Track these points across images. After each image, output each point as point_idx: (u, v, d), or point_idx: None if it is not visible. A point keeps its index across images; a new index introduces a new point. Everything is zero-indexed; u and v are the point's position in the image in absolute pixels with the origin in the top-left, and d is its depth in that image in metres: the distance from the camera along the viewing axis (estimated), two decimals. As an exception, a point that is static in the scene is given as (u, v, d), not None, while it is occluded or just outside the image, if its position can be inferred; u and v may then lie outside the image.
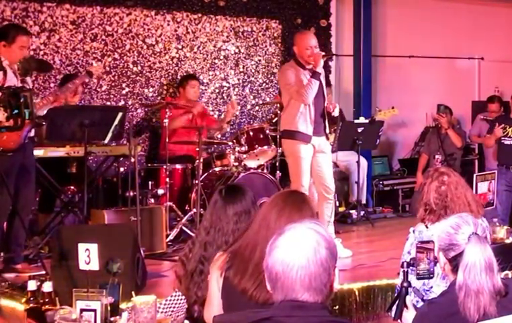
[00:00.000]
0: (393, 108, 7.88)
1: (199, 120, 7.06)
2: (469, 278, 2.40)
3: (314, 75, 5.60)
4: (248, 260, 2.60)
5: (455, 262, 2.51)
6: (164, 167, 6.32)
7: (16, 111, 3.01)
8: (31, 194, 5.19)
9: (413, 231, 3.68)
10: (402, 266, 2.98)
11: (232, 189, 3.27)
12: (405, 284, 2.92)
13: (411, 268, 2.98)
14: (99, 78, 6.92)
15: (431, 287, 3.43)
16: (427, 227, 3.60)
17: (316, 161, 5.74)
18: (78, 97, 6.38)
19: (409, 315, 2.81)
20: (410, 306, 2.85)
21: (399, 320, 2.88)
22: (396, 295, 3.04)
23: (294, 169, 5.72)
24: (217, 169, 6.75)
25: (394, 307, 2.94)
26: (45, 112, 5.25)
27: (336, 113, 5.80)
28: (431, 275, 2.93)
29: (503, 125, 7.01)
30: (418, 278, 2.98)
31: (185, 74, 7.60)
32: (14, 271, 4.97)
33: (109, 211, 5.64)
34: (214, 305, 2.75)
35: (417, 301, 3.06)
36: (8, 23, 6.33)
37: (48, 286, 3.66)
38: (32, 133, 5.09)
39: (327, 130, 5.82)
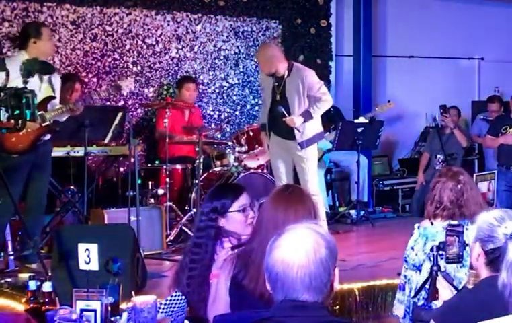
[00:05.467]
0: (389, 101, 7.92)
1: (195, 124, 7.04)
2: None
3: None
4: (260, 264, 2.59)
5: (491, 256, 2.46)
6: (164, 167, 6.33)
7: (17, 112, 3.01)
8: (40, 186, 5.13)
9: (418, 228, 3.68)
10: (431, 250, 2.93)
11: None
12: (435, 268, 2.88)
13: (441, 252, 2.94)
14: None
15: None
16: (432, 224, 3.60)
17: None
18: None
19: (439, 299, 2.79)
20: (441, 290, 2.83)
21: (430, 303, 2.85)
22: (423, 281, 2.98)
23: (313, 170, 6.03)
24: (217, 169, 6.75)
25: (422, 293, 2.90)
26: (64, 119, 5.18)
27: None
28: (460, 259, 2.88)
29: (504, 125, 7.02)
30: (447, 262, 2.93)
31: (185, 74, 7.60)
32: (31, 271, 4.96)
33: (109, 211, 5.63)
34: (221, 305, 2.75)
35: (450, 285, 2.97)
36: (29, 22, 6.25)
37: (48, 287, 3.65)
38: (48, 136, 5.04)
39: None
